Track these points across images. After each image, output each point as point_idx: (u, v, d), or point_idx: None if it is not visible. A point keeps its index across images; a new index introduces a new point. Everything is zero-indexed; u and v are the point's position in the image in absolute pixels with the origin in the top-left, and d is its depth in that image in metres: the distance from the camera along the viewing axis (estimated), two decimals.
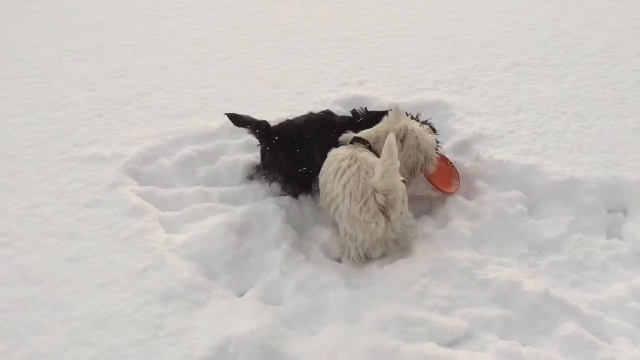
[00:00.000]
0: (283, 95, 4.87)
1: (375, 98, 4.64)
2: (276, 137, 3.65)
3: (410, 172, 3.49)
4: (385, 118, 3.52)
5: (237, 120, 3.67)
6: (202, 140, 4.26)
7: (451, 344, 2.72)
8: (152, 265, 3.15)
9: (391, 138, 2.88)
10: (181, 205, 3.70)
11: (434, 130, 3.72)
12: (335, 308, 2.93)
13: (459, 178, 3.79)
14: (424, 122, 3.71)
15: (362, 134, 3.45)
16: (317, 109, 4.51)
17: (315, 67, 5.39)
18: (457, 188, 3.72)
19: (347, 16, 6.59)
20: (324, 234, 3.49)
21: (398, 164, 2.94)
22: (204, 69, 5.45)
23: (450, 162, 3.87)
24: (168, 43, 6.09)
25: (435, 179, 3.69)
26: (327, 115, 3.82)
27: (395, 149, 2.88)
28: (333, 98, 4.71)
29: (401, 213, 3.13)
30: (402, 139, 3.40)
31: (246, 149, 4.11)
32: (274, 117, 4.41)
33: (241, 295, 3.10)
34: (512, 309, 2.86)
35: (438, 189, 3.68)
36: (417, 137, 3.43)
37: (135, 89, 5.13)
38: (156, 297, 2.97)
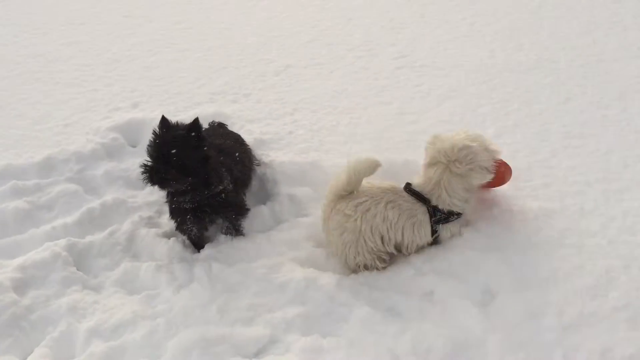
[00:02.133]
0: (49, 130, 4.50)
1: (152, 119, 4.48)
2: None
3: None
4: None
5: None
6: None
7: (257, 354, 2.74)
8: None
9: None
10: None
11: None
12: (135, 347, 2.77)
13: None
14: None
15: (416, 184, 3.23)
16: (91, 139, 4.26)
17: (83, 94, 5.06)
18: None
19: (112, 37, 6.29)
20: (117, 269, 3.30)
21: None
22: None
23: None
24: None
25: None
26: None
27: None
28: (107, 125, 4.47)
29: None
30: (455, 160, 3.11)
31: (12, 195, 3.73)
32: (41, 155, 4.06)
33: (25, 358, 2.79)
34: (311, 305, 2.94)
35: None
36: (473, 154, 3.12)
37: None
38: None
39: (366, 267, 3.18)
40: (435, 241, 3.27)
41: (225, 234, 3.45)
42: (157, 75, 5.36)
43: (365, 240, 3.11)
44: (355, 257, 3.15)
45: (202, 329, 2.78)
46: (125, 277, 3.23)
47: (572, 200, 3.52)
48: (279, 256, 3.29)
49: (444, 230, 3.23)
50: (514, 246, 3.19)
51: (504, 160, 3.37)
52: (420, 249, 3.26)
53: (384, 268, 3.19)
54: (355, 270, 3.21)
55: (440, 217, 3.17)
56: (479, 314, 2.81)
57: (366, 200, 3.10)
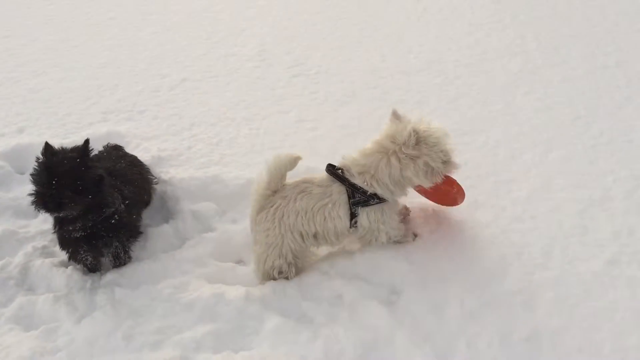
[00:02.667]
0: None
1: (41, 143, 4.22)
2: None
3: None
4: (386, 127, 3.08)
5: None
6: None
7: None
8: None
9: None
10: None
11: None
12: None
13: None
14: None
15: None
16: None
17: None
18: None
19: None
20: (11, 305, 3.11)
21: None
22: None
23: None
24: None
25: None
26: None
27: None
28: None
29: None
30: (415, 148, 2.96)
31: None
32: None
33: None
34: (221, 321, 2.91)
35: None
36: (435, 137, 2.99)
37: None
38: None
39: (280, 272, 3.14)
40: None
41: (115, 266, 3.33)
42: (43, 97, 5.09)
43: (288, 243, 3.08)
44: (275, 260, 3.10)
45: (108, 359, 2.67)
46: (21, 312, 3.05)
47: (466, 193, 3.69)
48: (185, 275, 3.24)
49: (363, 215, 3.09)
50: (415, 244, 3.30)
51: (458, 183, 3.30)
52: (339, 238, 3.20)
53: (295, 275, 3.18)
54: (268, 275, 3.16)
55: (359, 199, 3.06)
56: (386, 313, 2.88)
57: (280, 204, 3.07)
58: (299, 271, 3.20)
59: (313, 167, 3.80)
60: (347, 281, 3.06)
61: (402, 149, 2.98)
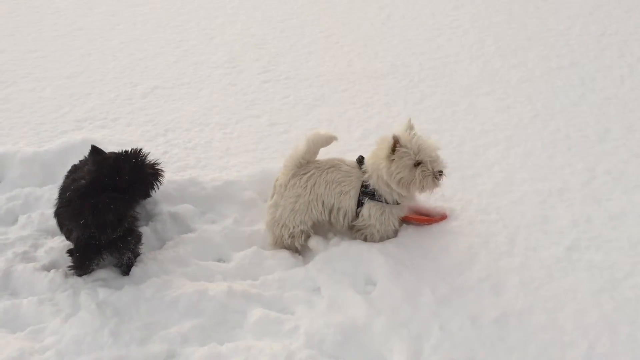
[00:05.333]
0: None
1: (16, 152, 4.29)
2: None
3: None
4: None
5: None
6: None
7: None
8: None
9: None
10: None
11: None
12: None
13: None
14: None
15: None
16: None
17: None
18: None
19: None
20: None
21: None
22: None
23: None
24: None
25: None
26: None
27: None
28: None
29: None
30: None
31: None
32: None
33: None
34: (205, 316, 3.01)
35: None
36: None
37: None
38: None
39: (293, 238, 3.43)
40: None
41: (125, 273, 3.39)
42: (15, 107, 5.10)
43: (312, 210, 3.39)
44: (295, 226, 3.40)
45: (96, 355, 2.75)
46: (6, 315, 3.07)
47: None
48: (167, 274, 3.31)
49: (366, 206, 3.37)
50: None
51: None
52: (345, 219, 3.45)
53: (300, 247, 3.48)
54: (281, 239, 3.46)
55: (368, 189, 3.36)
56: (364, 302, 3.03)
57: (314, 173, 3.38)
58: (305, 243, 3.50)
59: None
60: (325, 274, 3.21)
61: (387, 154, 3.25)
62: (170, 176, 4.02)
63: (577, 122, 4.62)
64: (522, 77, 5.39)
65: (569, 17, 6.68)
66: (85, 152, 4.25)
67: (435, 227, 3.58)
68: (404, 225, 3.59)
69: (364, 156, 3.46)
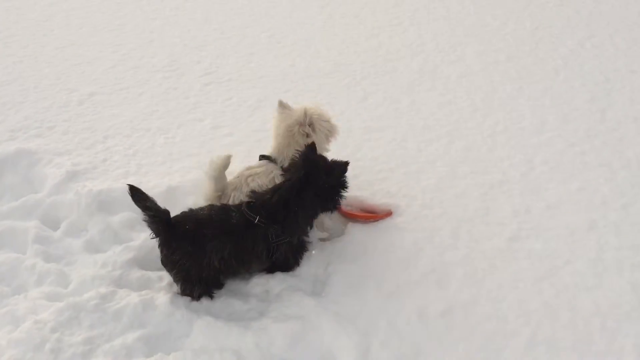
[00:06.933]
0: None
1: None
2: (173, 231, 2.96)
3: None
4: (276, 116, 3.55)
5: (139, 196, 2.90)
6: None
7: None
8: None
9: None
10: None
11: None
12: None
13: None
14: None
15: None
16: None
17: None
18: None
19: None
20: None
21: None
22: None
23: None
24: None
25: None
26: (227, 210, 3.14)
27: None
28: None
29: None
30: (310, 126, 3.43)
31: None
32: None
33: None
34: (151, 326, 2.94)
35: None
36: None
37: None
38: None
39: None
40: None
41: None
42: None
43: None
44: None
45: None
46: None
47: (379, 186, 3.91)
48: (110, 284, 3.23)
49: None
50: (334, 235, 3.49)
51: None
52: None
53: None
54: None
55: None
56: (312, 302, 3.02)
57: (234, 195, 3.31)
58: None
59: (230, 172, 3.90)
60: (272, 276, 3.19)
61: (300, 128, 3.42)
62: (110, 184, 3.94)
63: (514, 115, 4.74)
64: (462, 72, 5.49)
65: (504, 13, 6.85)
66: (18, 163, 4.14)
67: (381, 224, 3.61)
68: (350, 223, 3.61)
69: (263, 154, 3.54)
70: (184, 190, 3.87)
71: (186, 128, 4.70)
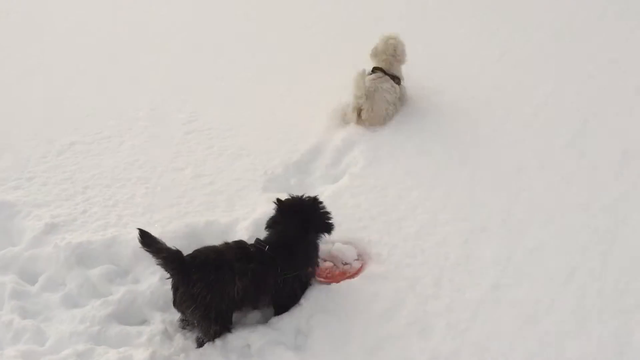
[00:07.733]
0: None
1: None
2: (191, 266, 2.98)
3: None
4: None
5: (148, 240, 2.89)
6: None
7: None
8: None
9: None
10: None
11: None
12: None
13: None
14: None
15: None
16: None
17: None
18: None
19: None
20: None
21: None
22: None
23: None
24: None
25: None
26: (243, 243, 3.30)
27: None
28: None
29: None
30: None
31: None
32: None
33: None
34: None
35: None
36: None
37: None
38: None
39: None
40: None
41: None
42: None
43: None
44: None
45: None
46: None
47: (360, 234, 3.91)
48: (88, 341, 3.18)
49: None
50: (317, 285, 3.47)
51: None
52: None
53: None
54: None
55: None
56: (294, 356, 2.99)
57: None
58: None
59: (212, 221, 3.90)
60: (253, 330, 3.16)
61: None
62: (90, 236, 3.91)
63: (491, 160, 4.72)
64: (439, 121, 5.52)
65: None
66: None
67: (364, 273, 3.60)
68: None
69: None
70: (165, 241, 3.82)
71: (167, 177, 4.67)
